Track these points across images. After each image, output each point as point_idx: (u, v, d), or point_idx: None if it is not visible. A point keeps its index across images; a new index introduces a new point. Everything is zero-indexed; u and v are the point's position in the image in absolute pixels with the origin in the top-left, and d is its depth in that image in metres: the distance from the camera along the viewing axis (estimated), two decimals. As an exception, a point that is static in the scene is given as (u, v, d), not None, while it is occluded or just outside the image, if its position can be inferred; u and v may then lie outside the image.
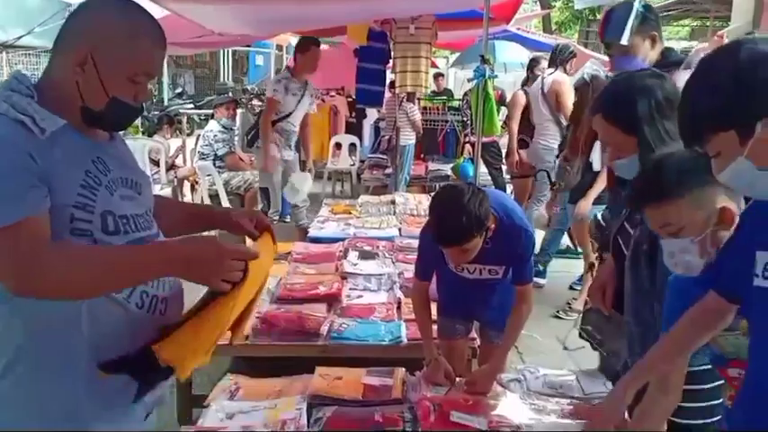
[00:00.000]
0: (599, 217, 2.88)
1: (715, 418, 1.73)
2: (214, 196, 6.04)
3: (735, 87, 1.12)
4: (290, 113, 5.29)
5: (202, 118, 11.82)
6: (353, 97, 8.88)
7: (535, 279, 3.25)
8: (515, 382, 2.22)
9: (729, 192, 1.43)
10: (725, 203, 1.43)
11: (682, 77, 2.11)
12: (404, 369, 2.24)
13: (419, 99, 7.39)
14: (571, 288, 4.97)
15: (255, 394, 2.08)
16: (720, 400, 1.70)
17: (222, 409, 1.94)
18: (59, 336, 1.30)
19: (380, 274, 3.47)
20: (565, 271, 5.26)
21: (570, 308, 4.49)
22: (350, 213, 5.02)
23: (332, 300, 3.12)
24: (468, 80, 7.71)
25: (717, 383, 1.69)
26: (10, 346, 1.29)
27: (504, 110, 7.16)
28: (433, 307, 2.50)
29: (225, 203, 6.02)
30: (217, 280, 1.29)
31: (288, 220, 5.90)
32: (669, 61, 2.60)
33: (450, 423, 1.91)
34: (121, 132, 1.58)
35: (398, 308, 2.99)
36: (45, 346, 1.30)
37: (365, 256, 3.80)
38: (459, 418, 1.92)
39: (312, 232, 4.50)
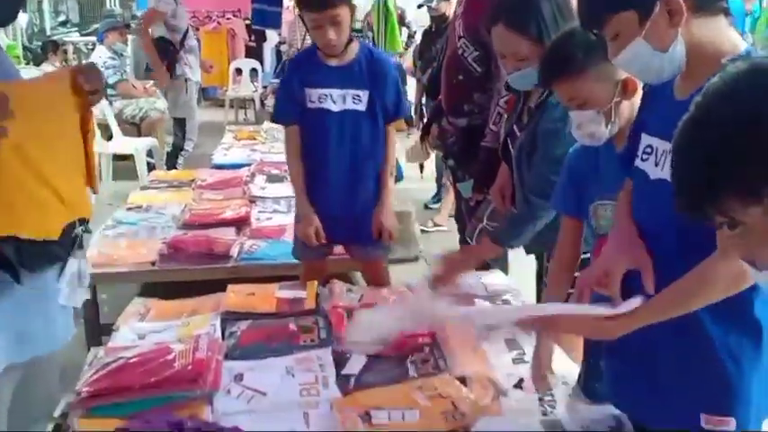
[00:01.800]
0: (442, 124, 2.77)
1: None
2: (105, 126, 5.68)
3: None
4: (187, 29, 5.05)
5: (90, 47, 10.98)
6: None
7: None
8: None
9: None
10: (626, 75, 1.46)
11: None
12: (316, 281, 2.27)
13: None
14: (426, 207, 5.14)
15: (167, 315, 2.05)
16: None
17: (133, 330, 1.91)
18: None
19: (289, 196, 3.44)
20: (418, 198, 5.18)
21: (435, 223, 4.68)
22: (255, 139, 4.93)
23: (240, 223, 3.10)
24: (369, -4, 7.53)
25: None
26: None
27: (405, 30, 7.07)
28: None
29: (117, 134, 5.71)
30: None
31: None
32: None
33: (362, 326, 1.97)
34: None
35: (309, 227, 2.99)
36: None
37: (273, 179, 3.76)
38: (370, 321, 1.98)
39: (216, 159, 4.39)
